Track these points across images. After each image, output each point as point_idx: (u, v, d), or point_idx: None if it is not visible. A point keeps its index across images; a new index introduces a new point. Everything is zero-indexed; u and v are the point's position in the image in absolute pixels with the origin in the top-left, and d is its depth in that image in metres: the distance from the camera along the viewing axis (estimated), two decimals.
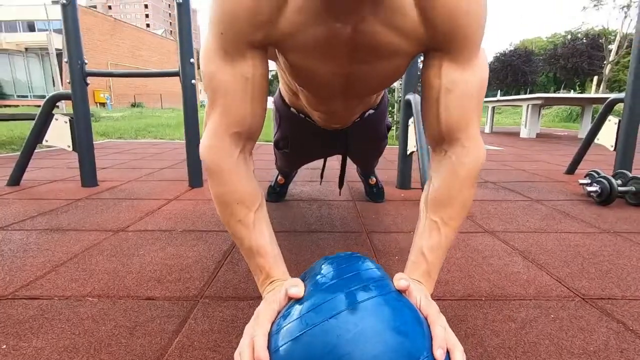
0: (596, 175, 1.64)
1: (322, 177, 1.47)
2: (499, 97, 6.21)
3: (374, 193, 1.62)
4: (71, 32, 1.78)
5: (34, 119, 1.87)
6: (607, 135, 2.01)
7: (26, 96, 22.05)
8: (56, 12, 20.16)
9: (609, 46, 22.61)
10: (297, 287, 0.45)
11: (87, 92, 1.86)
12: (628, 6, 12.80)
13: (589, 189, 1.59)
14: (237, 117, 0.55)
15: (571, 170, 2.35)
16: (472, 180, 0.57)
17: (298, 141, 1.20)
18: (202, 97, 38.54)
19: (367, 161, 1.47)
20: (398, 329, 0.39)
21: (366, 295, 0.42)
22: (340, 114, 0.91)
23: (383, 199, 1.64)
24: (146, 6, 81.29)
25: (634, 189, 1.56)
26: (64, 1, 1.73)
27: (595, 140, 2.11)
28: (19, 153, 1.94)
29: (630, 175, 1.61)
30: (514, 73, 28.31)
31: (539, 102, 5.26)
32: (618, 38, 20.89)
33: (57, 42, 19.45)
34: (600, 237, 1.18)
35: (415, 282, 0.51)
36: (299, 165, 1.55)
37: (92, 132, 1.93)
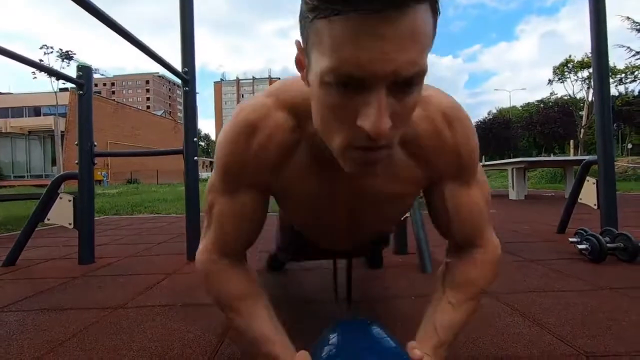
0: (584, 234, 1.70)
1: (336, 293, 1.17)
2: (484, 162, 6.52)
3: (374, 260, 1.65)
4: (84, 118, 1.93)
5: (35, 199, 1.93)
6: (589, 194, 2.11)
7: (23, 176, 22.38)
8: (64, 99, 21.52)
9: (580, 112, 24.40)
10: None
11: (93, 171, 1.96)
12: (589, 78, 14.24)
13: (580, 246, 1.64)
14: (229, 242, 0.61)
15: (561, 229, 2.41)
16: (490, 272, 0.63)
17: (301, 251, 1.11)
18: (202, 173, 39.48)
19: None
20: None
21: None
22: (347, 247, 0.86)
23: (381, 265, 1.65)
24: (147, 90, 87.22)
25: (622, 245, 1.61)
26: (81, 92, 1.91)
27: (579, 200, 2.21)
28: (14, 233, 1.96)
29: (617, 232, 1.68)
30: (496, 140, 29.90)
31: (522, 165, 5.54)
32: (586, 105, 22.72)
33: (61, 125, 20.33)
34: (597, 294, 1.20)
35: (426, 349, 0.54)
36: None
37: (94, 210, 1.98)
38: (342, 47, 0.34)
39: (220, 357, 0.84)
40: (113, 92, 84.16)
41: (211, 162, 52.89)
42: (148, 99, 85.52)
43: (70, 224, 1.92)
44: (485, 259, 0.62)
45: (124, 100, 79.22)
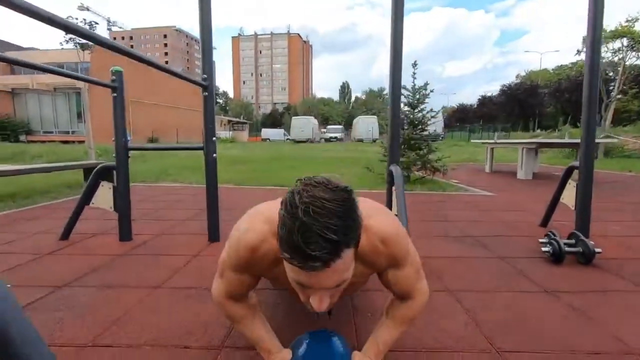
0: (551, 236, 1.93)
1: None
2: (496, 140, 6.56)
3: None
4: (119, 116, 2.22)
5: (70, 169, 2.28)
6: (569, 196, 2.31)
7: (52, 132, 23.33)
8: (85, 57, 21.79)
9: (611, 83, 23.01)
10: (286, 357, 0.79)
11: (128, 163, 2.28)
12: (622, 49, 13.46)
13: (543, 249, 1.89)
14: (232, 293, 0.91)
15: (544, 223, 2.63)
16: (417, 311, 0.91)
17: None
18: (217, 131, 39.82)
19: None
20: None
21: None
22: None
23: None
24: (165, 45, 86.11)
25: (581, 249, 1.85)
26: (115, 94, 2.18)
27: (561, 200, 2.41)
28: (57, 201, 2.33)
29: (581, 236, 1.90)
30: (520, 106, 28.73)
31: (533, 146, 5.58)
32: (621, 70, 21.31)
33: (80, 82, 20.78)
34: (537, 296, 1.47)
35: (366, 357, 0.84)
36: None
37: (130, 195, 2.33)
38: (298, 276, 0.65)
39: (234, 335, 1.17)
40: (132, 47, 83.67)
41: (229, 121, 53.22)
42: (166, 54, 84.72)
43: (111, 207, 2.29)
44: (415, 305, 0.90)
45: None
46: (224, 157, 10.40)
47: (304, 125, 28.15)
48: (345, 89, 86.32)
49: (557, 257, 1.83)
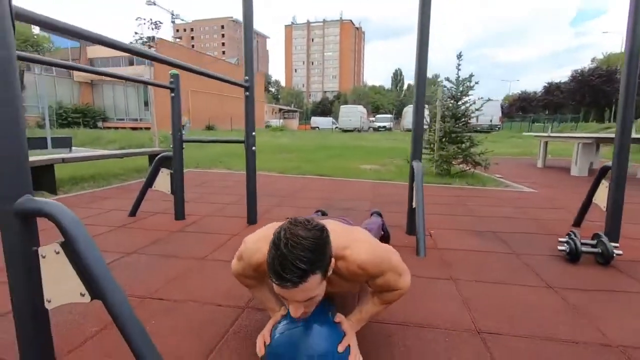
0: (571, 235, 1.95)
1: None
2: (549, 134, 6.19)
3: (380, 240, 2.12)
4: (175, 113, 2.58)
5: (138, 155, 2.70)
6: (601, 196, 2.26)
7: (123, 119, 25.79)
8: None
9: None
10: (281, 314, 1.02)
11: (183, 153, 2.65)
12: None
13: (559, 248, 1.92)
14: (245, 275, 1.13)
15: (577, 223, 2.58)
16: (395, 297, 1.07)
17: None
18: (267, 119, 40.94)
19: None
20: (327, 338, 0.93)
21: (317, 320, 0.96)
22: None
23: (387, 243, 2.12)
24: (223, 35, 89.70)
25: (600, 250, 1.86)
26: (173, 94, 2.54)
27: (593, 200, 2.36)
28: (127, 183, 2.77)
29: (602, 238, 1.90)
30: (593, 93, 26.01)
31: (590, 141, 5.22)
32: None
33: (147, 74, 22.63)
34: (538, 290, 1.56)
35: (349, 320, 1.04)
36: None
37: (184, 180, 2.71)
38: (278, 290, 0.82)
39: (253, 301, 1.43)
40: (192, 38, 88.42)
41: (280, 109, 54.56)
42: (223, 44, 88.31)
43: (168, 191, 2.69)
44: (397, 293, 1.06)
45: (202, 46, 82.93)
46: (272, 145, 10.89)
47: (352, 114, 28.08)
48: (397, 77, 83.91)
49: (573, 257, 1.86)
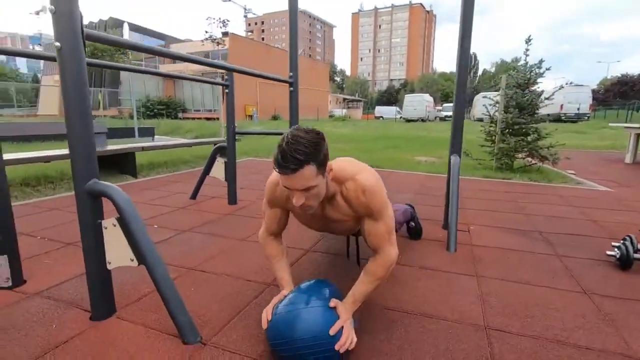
0: (627, 240, 1.78)
1: (348, 254, 1.86)
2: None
3: (412, 233, 2.16)
4: (230, 107, 2.84)
5: (203, 145, 3.03)
6: None
7: (199, 110, 28.09)
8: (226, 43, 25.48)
9: None
10: (283, 294, 1.16)
11: (235, 145, 2.92)
12: None
13: (608, 252, 1.77)
14: (270, 229, 1.31)
15: None
16: (383, 269, 1.15)
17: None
18: (331, 109, 41.28)
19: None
20: (320, 321, 1.04)
21: (315, 302, 1.08)
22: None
23: (419, 238, 2.14)
24: None
25: None
26: (227, 90, 2.80)
27: None
28: (193, 170, 3.13)
29: None
30: None
31: None
32: None
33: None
34: (568, 294, 1.48)
35: (344, 304, 1.13)
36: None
37: (236, 168, 2.99)
38: (282, 181, 1.02)
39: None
40: (263, 31, 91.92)
41: (344, 99, 54.50)
42: None
43: (223, 178, 2.99)
44: (379, 263, 1.15)
45: (271, 38, 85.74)
46: (331, 135, 11.06)
47: (417, 103, 26.96)
48: (470, 61, 78.12)
49: (623, 263, 1.71)
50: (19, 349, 1.11)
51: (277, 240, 1.35)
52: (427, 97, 29.21)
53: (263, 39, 77.88)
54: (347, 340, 1.02)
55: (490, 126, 4.99)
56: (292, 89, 2.58)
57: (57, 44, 1.07)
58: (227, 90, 2.80)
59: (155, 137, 9.76)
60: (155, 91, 27.01)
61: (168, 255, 1.86)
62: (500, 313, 1.33)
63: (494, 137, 4.87)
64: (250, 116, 24.92)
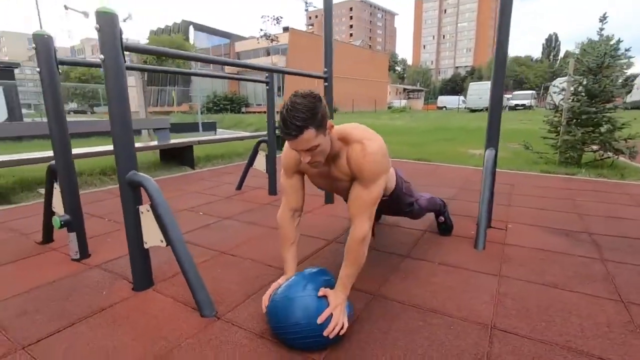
0: None
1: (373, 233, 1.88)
2: None
3: (442, 228, 2.11)
4: (271, 103, 3.00)
5: (252, 138, 3.24)
6: None
7: (260, 104, 29.34)
8: (284, 38, 26.18)
9: None
10: (282, 280, 1.25)
11: (275, 139, 3.07)
12: None
13: None
14: (290, 203, 1.38)
15: None
16: (355, 243, 1.17)
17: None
18: (391, 100, 40.22)
19: (398, 216, 1.92)
20: (313, 308, 1.10)
21: (307, 291, 1.15)
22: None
23: (449, 234, 2.10)
24: (351, 17, 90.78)
25: None
26: (267, 87, 2.95)
27: None
28: (242, 162, 3.36)
29: None
30: None
31: None
32: None
33: (282, 62, 25.09)
34: (601, 302, 1.36)
35: (334, 291, 1.16)
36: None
37: (275, 161, 3.14)
38: (289, 144, 1.15)
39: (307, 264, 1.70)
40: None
41: (405, 89, 52.78)
42: (351, 26, 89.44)
43: (264, 170, 3.17)
44: (351, 237, 1.18)
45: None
46: (385, 128, 10.89)
47: (482, 92, 25.03)
48: (550, 43, 70.31)
49: None
50: (75, 308, 1.36)
51: (293, 224, 1.40)
52: None
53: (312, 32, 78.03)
54: (336, 327, 1.08)
55: (555, 116, 4.55)
56: (326, 84, 2.64)
57: (102, 56, 1.27)
58: (267, 87, 2.96)
59: (218, 130, 10.49)
60: (221, 87, 28.76)
61: (206, 239, 2.07)
62: (512, 315, 1.29)
63: (558, 128, 4.44)
64: None
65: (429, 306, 1.35)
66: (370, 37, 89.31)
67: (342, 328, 1.10)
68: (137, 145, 4.46)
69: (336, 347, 1.12)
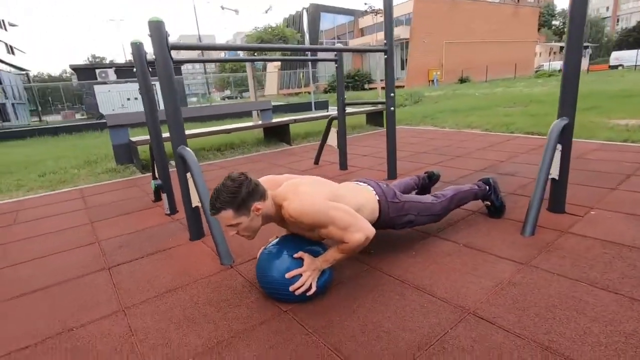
0: None
1: None
2: None
3: (491, 211, 1.91)
4: (340, 82, 3.10)
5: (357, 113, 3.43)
6: None
7: (383, 80, 28.94)
8: (406, 8, 24.81)
9: None
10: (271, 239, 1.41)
11: (345, 116, 3.17)
12: None
13: None
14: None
15: None
16: (353, 247, 1.22)
17: None
18: (542, 62, 33.80)
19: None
20: (286, 265, 1.25)
21: (286, 251, 1.29)
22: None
23: (498, 216, 1.88)
24: None
25: None
26: (336, 65, 3.04)
27: None
28: (315, 143, 3.59)
29: None
30: None
31: None
32: None
33: (405, 33, 23.94)
34: (637, 307, 1.09)
35: (314, 259, 1.26)
36: None
37: (346, 137, 3.25)
38: None
39: None
40: None
41: (561, 48, 43.19)
42: None
43: (335, 145, 3.33)
44: (348, 245, 1.21)
45: None
46: (513, 96, 9.46)
47: None
48: None
49: None
50: (149, 247, 1.85)
51: None
52: None
53: None
54: (303, 286, 1.21)
55: None
56: (386, 56, 2.58)
57: (154, 55, 1.65)
58: (337, 65, 3.05)
59: (330, 108, 10.99)
60: (345, 65, 29.45)
61: None
62: (504, 305, 1.16)
63: None
64: (431, 81, 23.75)
65: (417, 283, 1.33)
66: None
67: (309, 290, 1.22)
68: (244, 125, 5.13)
69: (304, 305, 1.25)
